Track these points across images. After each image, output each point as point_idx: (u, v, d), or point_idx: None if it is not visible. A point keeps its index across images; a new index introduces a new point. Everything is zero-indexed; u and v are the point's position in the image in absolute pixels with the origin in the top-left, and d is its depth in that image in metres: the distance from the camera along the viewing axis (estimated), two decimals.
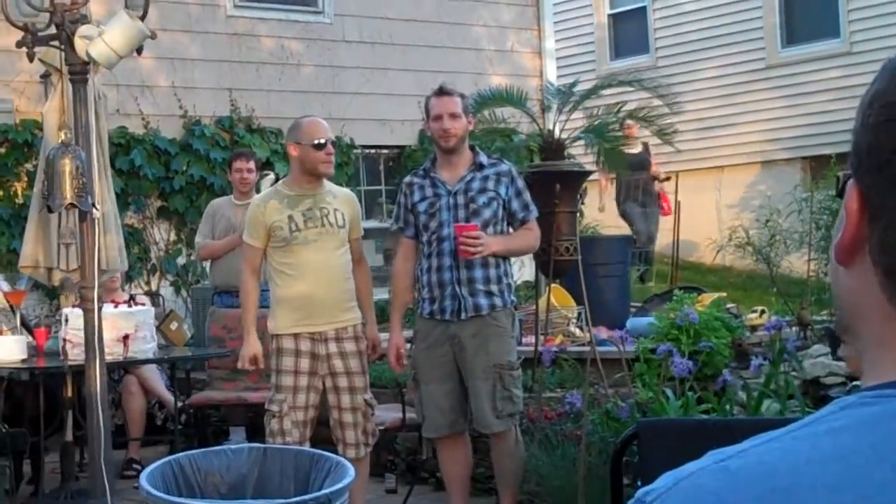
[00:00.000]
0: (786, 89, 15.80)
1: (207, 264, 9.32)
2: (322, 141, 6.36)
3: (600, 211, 14.07)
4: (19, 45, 4.45)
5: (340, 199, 6.54)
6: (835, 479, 0.88)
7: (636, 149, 13.49)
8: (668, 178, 14.35)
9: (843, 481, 0.88)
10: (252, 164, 9.04)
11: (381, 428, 6.91)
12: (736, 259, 12.97)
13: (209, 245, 8.89)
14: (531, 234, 6.42)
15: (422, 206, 6.31)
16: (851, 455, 0.89)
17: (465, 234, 6.04)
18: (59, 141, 4.31)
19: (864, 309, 0.98)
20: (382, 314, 8.14)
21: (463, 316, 6.17)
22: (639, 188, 13.93)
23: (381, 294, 8.37)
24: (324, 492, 4.27)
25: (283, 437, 6.18)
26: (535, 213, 6.39)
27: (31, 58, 4.55)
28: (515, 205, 6.30)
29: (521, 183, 6.37)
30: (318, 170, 6.40)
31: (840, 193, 1.00)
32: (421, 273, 6.36)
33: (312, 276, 6.32)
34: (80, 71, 4.39)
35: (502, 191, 6.26)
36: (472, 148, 6.41)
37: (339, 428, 6.41)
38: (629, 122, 13.19)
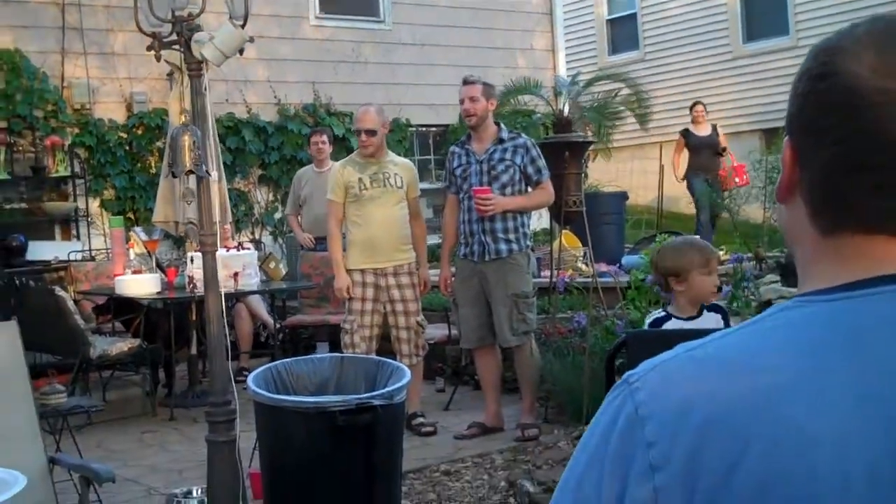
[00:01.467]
0: (747, 76, 15.61)
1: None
2: (357, 128, 6.50)
3: (679, 181, 12.74)
4: (149, 48, 4.44)
5: (400, 166, 6.60)
6: (773, 363, 0.89)
7: (706, 131, 12.69)
8: (724, 149, 12.73)
9: (779, 365, 0.89)
10: (325, 138, 9.09)
11: (432, 342, 6.96)
12: None
13: (292, 224, 9.30)
14: (544, 193, 6.40)
15: (458, 171, 6.34)
16: (785, 346, 0.91)
17: (478, 196, 6.06)
18: (180, 122, 4.33)
19: (799, 236, 0.99)
20: (433, 255, 8.16)
21: (487, 258, 6.19)
22: (707, 164, 12.42)
23: (432, 239, 8.36)
24: (387, 389, 4.29)
25: (353, 348, 6.27)
26: (547, 175, 6.35)
27: (158, 58, 4.54)
28: (530, 170, 6.28)
29: (535, 152, 6.33)
30: (358, 148, 6.56)
31: None
32: (458, 223, 6.39)
33: (376, 224, 6.39)
34: (195, 68, 4.38)
35: (518, 160, 6.24)
36: (497, 125, 6.40)
37: (397, 342, 6.48)
38: (698, 107, 12.74)
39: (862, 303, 0.91)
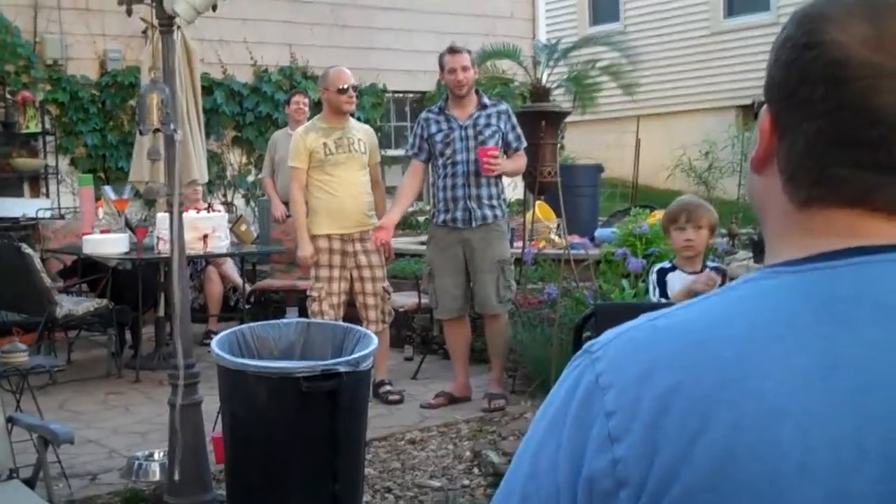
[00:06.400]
0: (726, 52, 15.58)
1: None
2: (345, 87, 6.32)
3: None
4: (120, 2, 4.36)
5: (363, 132, 6.57)
6: (739, 333, 0.86)
7: None
8: None
9: (745, 335, 0.86)
10: (307, 100, 9.06)
11: (402, 310, 6.92)
12: (683, 185, 12.88)
13: (268, 189, 8.97)
14: (522, 160, 6.42)
15: (438, 137, 6.26)
16: (752, 315, 0.88)
17: (488, 153, 6.03)
18: (150, 79, 4.25)
19: (769, 208, 0.97)
20: (406, 222, 8.09)
21: (473, 224, 6.16)
22: None
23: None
24: (354, 356, 4.25)
25: (322, 316, 6.21)
26: (524, 143, 6.37)
27: (129, 13, 4.44)
28: (511, 136, 6.28)
29: (514, 119, 6.37)
30: (342, 109, 6.39)
31: (756, 116, 0.99)
32: (437, 190, 6.32)
33: (342, 190, 6.33)
34: (167, 24, 4.30)
35: (502, 125, 6.26)
36: (476, 91, 6.36)
37: (364, 308, 6.44)
38: None
39: (835, 273, 0.88)
